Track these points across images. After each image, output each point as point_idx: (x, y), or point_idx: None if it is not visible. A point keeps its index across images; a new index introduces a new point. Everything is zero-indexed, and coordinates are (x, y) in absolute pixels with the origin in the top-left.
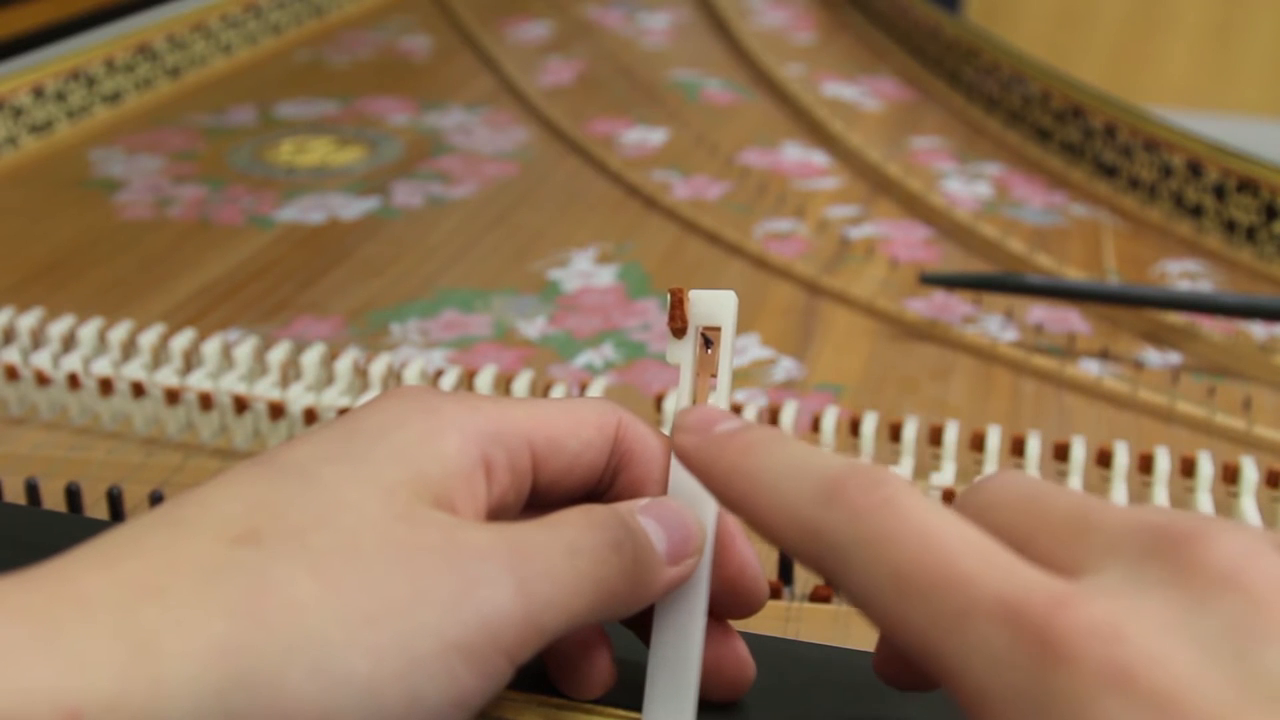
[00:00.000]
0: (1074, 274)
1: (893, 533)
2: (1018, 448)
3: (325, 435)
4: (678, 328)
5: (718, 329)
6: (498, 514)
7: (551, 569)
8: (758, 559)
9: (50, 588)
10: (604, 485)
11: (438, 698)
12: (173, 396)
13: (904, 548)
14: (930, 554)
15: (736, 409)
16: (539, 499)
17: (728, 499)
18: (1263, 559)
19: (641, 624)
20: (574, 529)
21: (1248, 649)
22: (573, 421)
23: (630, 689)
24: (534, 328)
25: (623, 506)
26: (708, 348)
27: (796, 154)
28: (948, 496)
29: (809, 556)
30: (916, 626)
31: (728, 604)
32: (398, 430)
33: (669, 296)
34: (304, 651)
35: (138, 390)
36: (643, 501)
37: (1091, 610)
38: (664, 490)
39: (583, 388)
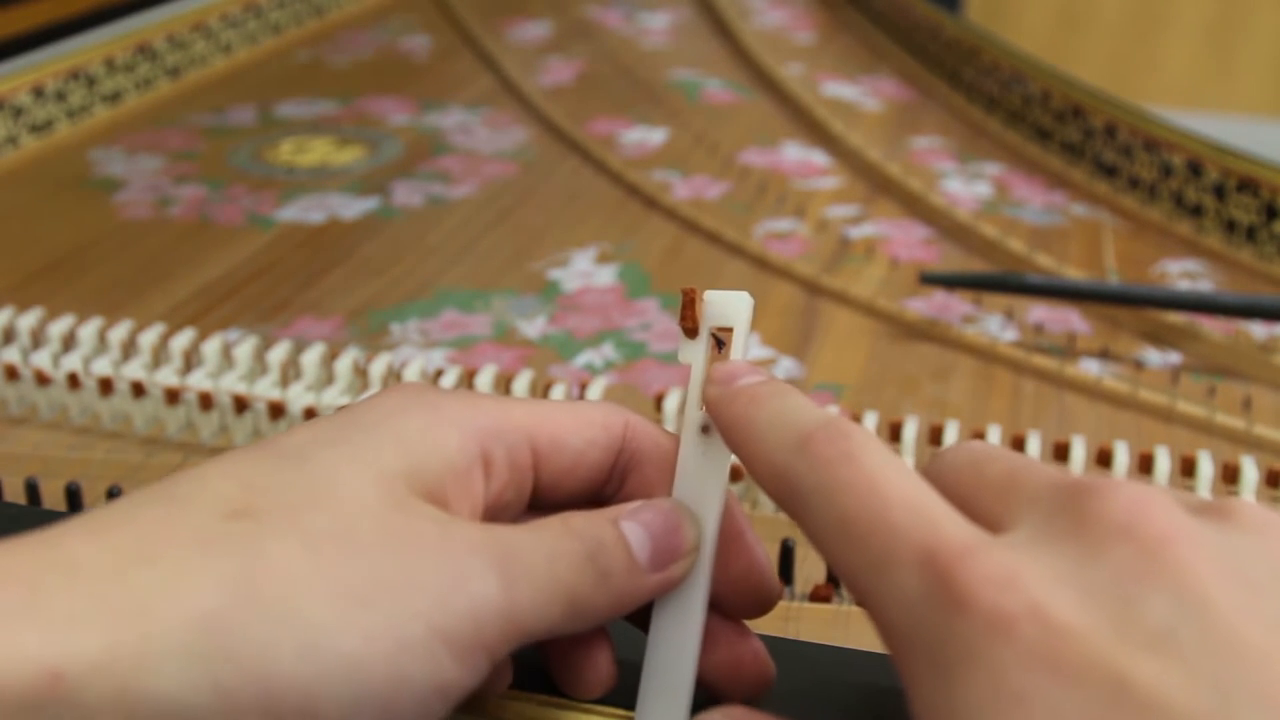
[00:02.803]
0: (1074, 274)
1: (845, 482)
2: (1018, 447)
3: (325, 423)
4: (688, 328)
5: (729, 330)
6: (496, 511)
7: (534, 572)
8: (768, 557)
9: (37, 553)
10: (613, 487)
11: (422, 683)
12: (173, 396)
13: (851, 496)
14: (871, 503)
15: None
16: (543, 498)
17: (732, 445)
18: (1155, 510)
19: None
20: (553, 536)
21: (1132, 595)
22: (576, 421)
23: (631, 689)
24: (534, 328)
25: (609, 512)
26: (719, 349)
27: (796, 154)
28: None
29: (779, 498)
30: (853, 569)
31: (736, 603)
32: (399, 421)
33: (681, 296)
34: (294, 628)
35: (138, 390)
36: (633, 505)
37: (991, 559)
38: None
39: (583, 387)
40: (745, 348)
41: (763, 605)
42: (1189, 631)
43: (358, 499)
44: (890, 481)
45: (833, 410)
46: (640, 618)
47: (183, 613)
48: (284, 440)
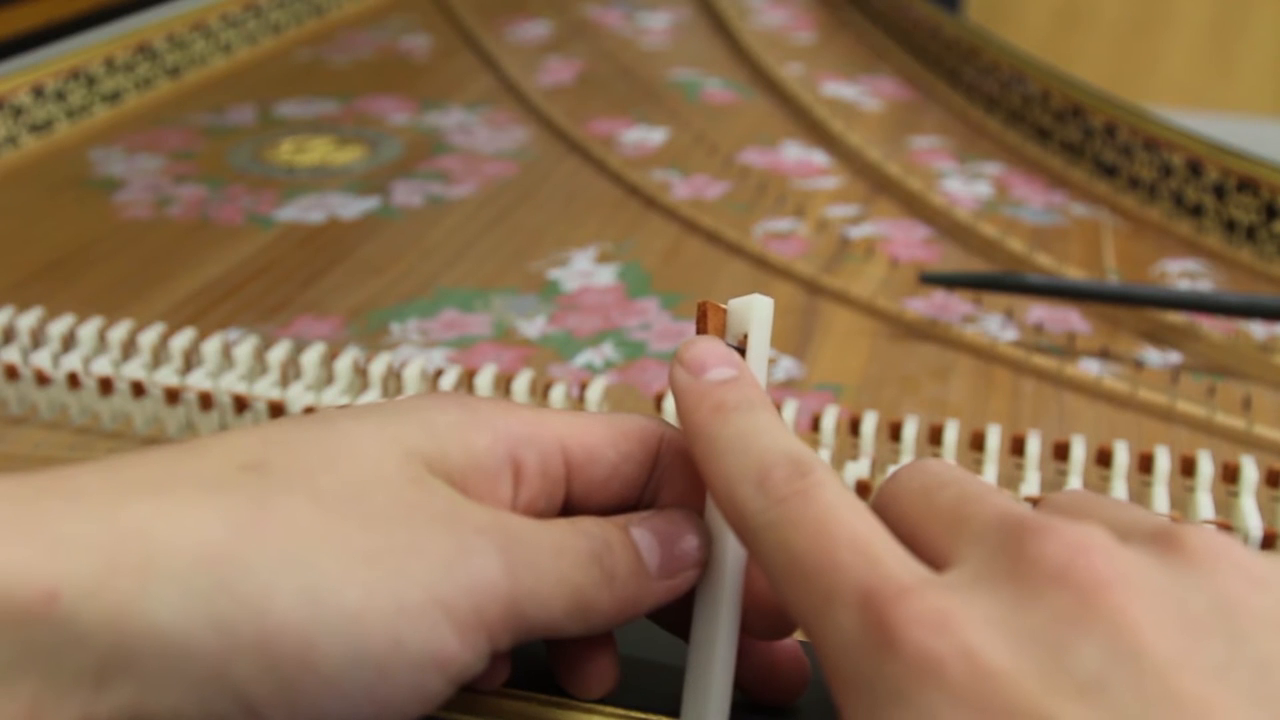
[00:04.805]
0: (1074, 273)
1: (796, 520)
2: (1017, 447)
3: (359, 405)
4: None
5: (746, 336)
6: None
7: (538, 563)
8: None
9: (43, 482)
10: (647, 500)
11: (420, 650)
12: (173, 396)
13: (800, 535)
14: (819, 542)
15: None
16: (576, 510)
17: (692, 452)
18: (1094, 555)
19: (679, 623)
20: (562, 533)
21: (1064, 642)
22: (613, 433)
23: (633, 688)
24: (534, 327)
25: (620, 519)
26: (743, 356)
27: (796, 153)
28: None
29: (731, 524)
30: (799, 607)
31: (755, 620)
32: (431, 413)
33: (697, 310)
34: (297, 573)
35: (138, 390)
36: (645, 513)
37: (926, 601)
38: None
39: (583, 387)
40: (766, 352)
41: (780, 627)
42: (1120, 681)
43: (374, 467)
44: (840, 520)
45: (796, 445)
46: (673, 623)
47: (185, 542)
48: (316, 412)
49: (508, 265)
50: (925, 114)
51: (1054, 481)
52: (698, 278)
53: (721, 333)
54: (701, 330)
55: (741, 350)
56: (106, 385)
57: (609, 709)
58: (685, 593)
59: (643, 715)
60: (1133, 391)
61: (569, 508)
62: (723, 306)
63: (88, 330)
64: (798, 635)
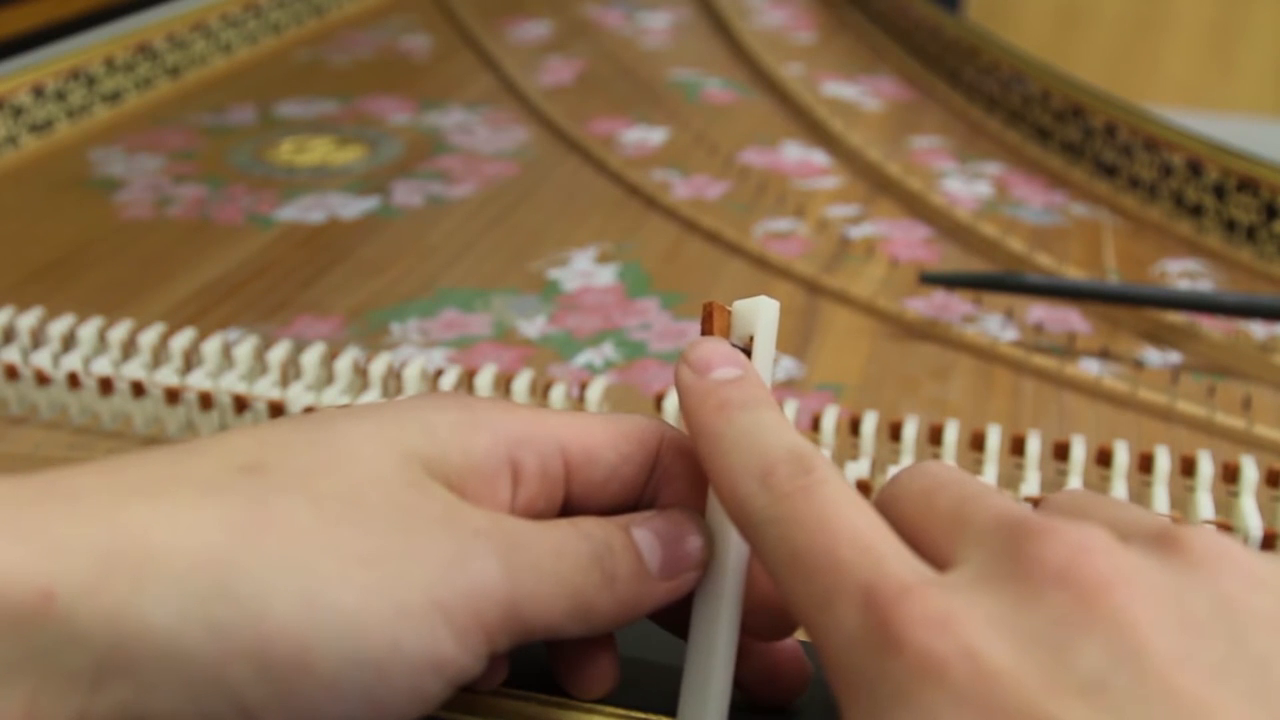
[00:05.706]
0: (1074, 273)
1: (799, 517)
2: (1017, 447)
3: (358, 405)
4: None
5: (751, 338)
6: (526, 518)
7: (538, 565)
8: None
9: (40, 484)
10: (647, 502)
11: (417, 653)
12: (173, 396)
13: (803, 531)
14: (821, 539)
15: None
16: (575, 511)
17: (697, 450)
18: (1095, 556)
19: (679, 623)
20: (562, 534)
21: (1066, 642)
22: (612, 434)
23: (633, 688)
24: (534, 327)
25: (621, 519)
26: (748, 357)
27: (796, 153)
28: None
29: (735, 521)
30: (800, 604)
31: (755, 622)
32: (430, 414)
33: (702, 310)
34: (295, 577)
35: (138, 390)
36: (647, 513)
37: (928, 601)
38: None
39: (583, 387)
40: (771, 354)
41: (780, 627)
42: (1121, 681)
43: (374, 471)
44: (842, 517)
45: (800, 438)
46: (673, 623)
47: (183, 545)
48: (315, 412)
49: (508, 265)
50: (925, 114)
51: (1054, 481)
52: (698, 278)
53: (726, 334)
54: (707, 331)
55: (746, 351)
56: (106, 385)
57: (609, 709)
58: (687, 593)
59: (643, 715)
60: (1133, 391)
61: (568, 508)
62: (728, 308)
63: (88, 330)
64: (798, 635)
